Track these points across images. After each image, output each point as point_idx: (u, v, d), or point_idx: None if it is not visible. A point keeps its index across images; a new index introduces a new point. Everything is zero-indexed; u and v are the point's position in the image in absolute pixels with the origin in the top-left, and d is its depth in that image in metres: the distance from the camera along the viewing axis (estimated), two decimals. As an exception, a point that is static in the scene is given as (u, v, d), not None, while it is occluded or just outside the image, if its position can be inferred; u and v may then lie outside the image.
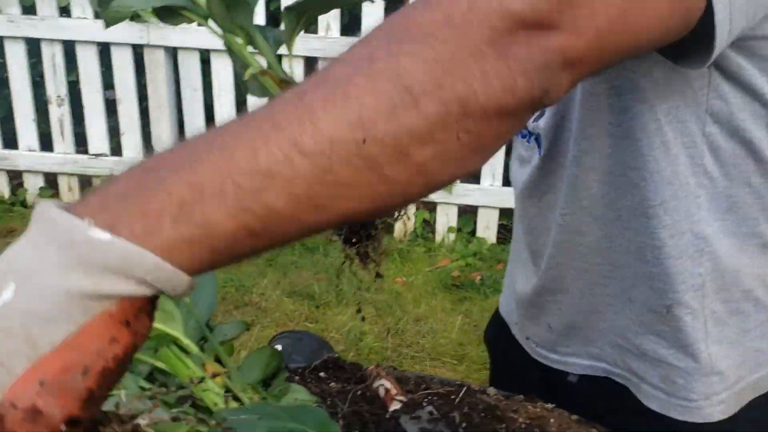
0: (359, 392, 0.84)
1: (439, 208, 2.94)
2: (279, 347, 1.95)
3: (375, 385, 0.86)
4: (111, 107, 3.05)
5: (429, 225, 3.00)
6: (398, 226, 2.85)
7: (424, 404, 0.80)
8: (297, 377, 1.00)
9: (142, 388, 0.70)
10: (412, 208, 2.84)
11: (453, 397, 0.83)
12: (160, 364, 0.70)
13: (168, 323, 0.68)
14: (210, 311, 0.77)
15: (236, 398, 0.62)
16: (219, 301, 2.47)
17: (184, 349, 0.70)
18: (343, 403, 0.82)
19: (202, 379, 0.65)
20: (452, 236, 2.96)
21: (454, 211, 2.94)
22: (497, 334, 0.96)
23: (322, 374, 0.96)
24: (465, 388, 0.85)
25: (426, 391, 0.86)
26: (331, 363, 0.98)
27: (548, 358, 0.83)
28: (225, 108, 2.92)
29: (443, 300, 2.57)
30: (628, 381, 0.75)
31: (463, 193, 2.84)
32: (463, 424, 0.76)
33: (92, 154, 3.01)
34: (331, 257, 2.70)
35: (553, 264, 0.76)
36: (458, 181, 0.57)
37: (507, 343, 0.91)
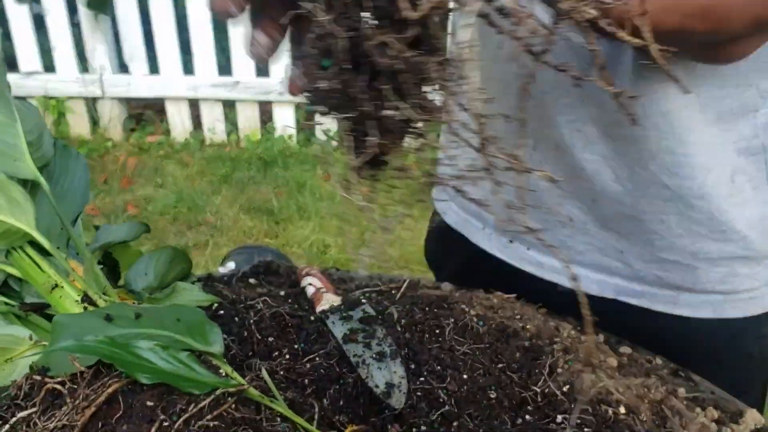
0: (283, 294, 0.71)
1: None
2: (232, 264, 1.82)
3: (303, 284, 0.72)
4: (39, 23, 2.79)
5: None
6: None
7: (363, 302, 0.66)
8: (221, 286, 0.86)
9: (-7, 302, 0.56)
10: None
11: (394, 292, 0.71)
12: (12, 270, 0.55)
13: (16, 215, 0.53)
14: (82, 206, 0.62)
15: (94, 304, 0.48)
16: (170, 221, 2.32)
17: (45, 251, 0.56)
18: (267, 308, 0.69)
19: (56, 285, 0.51)
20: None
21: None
22: (446, 247, 0.88)
23: (252, 280, 0.82)
24: (407, 282, 0.72)
25: (366, 289, 0.73)
26: (263, 268, 0.84)
27: (541, 265, 0.74)
28: (162, 10, 2.68)
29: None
30: (642, 297, 0.70)
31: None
32: (402, 321, 0.63)
33: (24, 72, 2.78)
34: (292, 170, 2.54)
35: None
36: None
37: (463, 255, 0.82)
